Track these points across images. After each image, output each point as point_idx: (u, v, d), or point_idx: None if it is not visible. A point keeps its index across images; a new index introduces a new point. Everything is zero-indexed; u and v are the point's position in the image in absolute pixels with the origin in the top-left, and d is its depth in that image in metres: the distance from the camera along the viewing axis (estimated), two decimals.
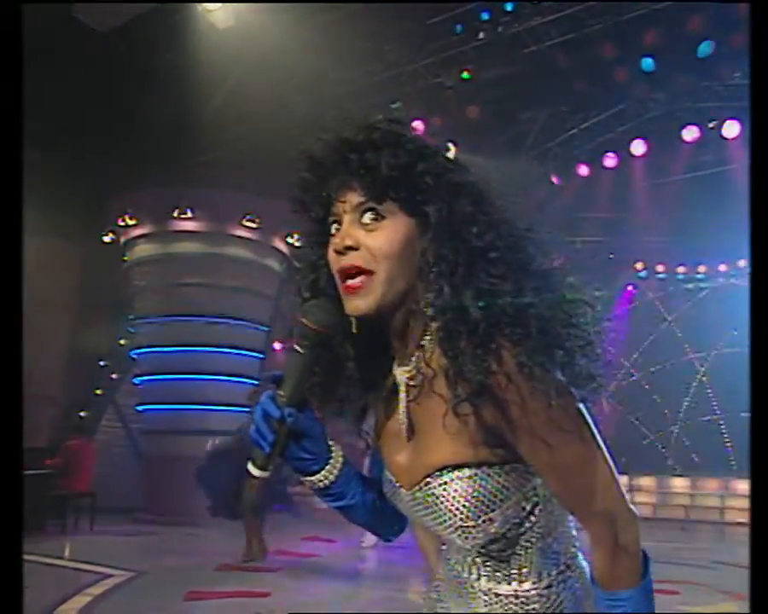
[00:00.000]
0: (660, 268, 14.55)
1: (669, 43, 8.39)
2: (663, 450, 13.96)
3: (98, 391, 13.04)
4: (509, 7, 8.16)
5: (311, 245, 1.12)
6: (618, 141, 10.45)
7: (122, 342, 12.78)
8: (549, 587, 1.06)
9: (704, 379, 13.96)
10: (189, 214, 10.56)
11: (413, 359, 1.06)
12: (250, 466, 1.03)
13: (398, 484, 1.10)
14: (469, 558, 1.10)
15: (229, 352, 10.92)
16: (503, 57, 8.63)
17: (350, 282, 1.01)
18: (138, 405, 11.35)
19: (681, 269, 14.39)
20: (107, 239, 11.40)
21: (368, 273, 1.00)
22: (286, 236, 11.63)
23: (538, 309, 0.95)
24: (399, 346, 1.08)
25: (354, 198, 1.02)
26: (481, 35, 8.34)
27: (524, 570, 1.06)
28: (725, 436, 13.12)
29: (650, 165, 10.66)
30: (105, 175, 9.91)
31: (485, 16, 8.25)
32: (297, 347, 1.04)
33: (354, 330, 1.06)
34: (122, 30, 7.97)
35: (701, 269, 14.15)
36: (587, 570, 1.10)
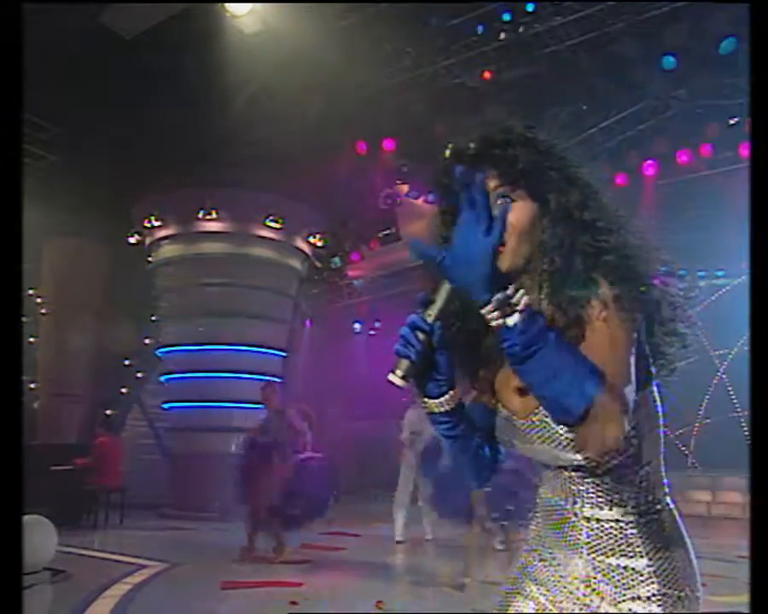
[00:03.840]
0: (680, 264, 14.45)
1: (690, 40, 8.41)
2: (684, 447, 13.95)
3: (124, 390, 13.29)
4: (529, 7, 8.24)
5: (446, 216, 1.32)
6: (638, 139, 10.46)
7: (147, 341, 13.02)
8: (645, 514, 1.21)
9: (725, 376, 13.93)
10: (214, 215, 10.74)
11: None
12: (391, 377, 1.15)
13: (514, 417, 1.28)
14: (573, 487, 1.25)
15: (253, 351, 11.09)
16: (523, 57, 8.71)
17: None
18: (165, 403, 11.55)
19: (701, 267, 14.32)
20: (132, 240, 11.61)
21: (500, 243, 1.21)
22: (307, 237, 11.81)
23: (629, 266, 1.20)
24: None
25: (492, 183, 1.23)
26: (502, 35, 8.42)
27: (623, 495, 1.21)
28: (745, 433, 13.08)
29: (671, 162, 10.67)
30: (131, 177, 10.09)
31: (506, 17, 8.33)
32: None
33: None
34: (147, 35, 8.14)
35: (722, 266, 14.08)
36: (676, 513, 1.27)
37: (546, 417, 1.20)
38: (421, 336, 1.16)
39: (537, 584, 1.28)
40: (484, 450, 1.35)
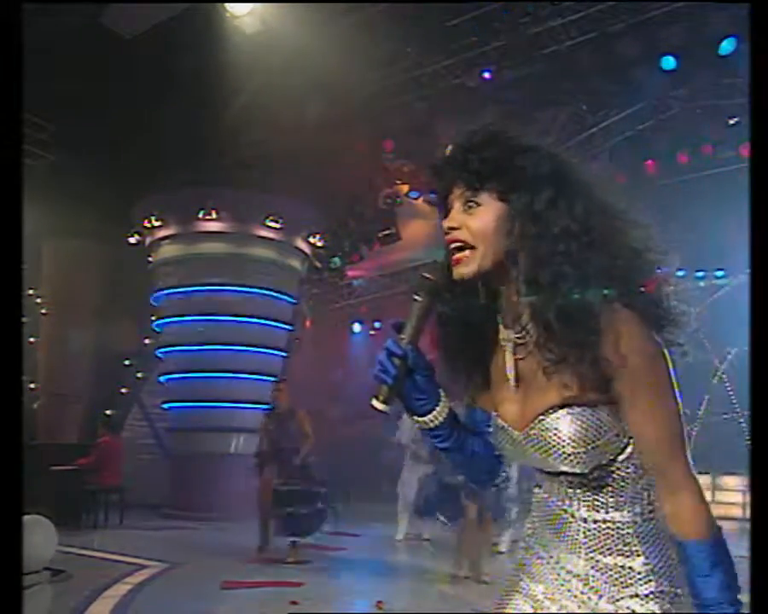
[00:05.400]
0: (678, 265, 14.43)
1: (690, 40, 8.41)
2: None
3: (123, 390, 13.28)
4: (529, 8, 8.23)
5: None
6: (638, 139, 10.46)
7: (147, 341, 13.00)
8: (641, 515, 1.21)
9: (723, 376, 13.92)
10: (214, 215, 10.73)
11: (518, 323, 1.25)
12: (374, 402, 1.21)
13: (510, 428, 1.28)
14: (570, 491, 1.25)
15: (253, 350, 11.08)
16: (523, 57, 8.71)
17: (457, 255, 1.24)
18: (164, 403, 11.54)
19: (702, 267, 14.30)
20: (132, 240, 11.61)
21: (471, 248, 1.23)
22: (307, 237, 11.80)
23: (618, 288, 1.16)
24: (505, 312, 1.28)
25: (459, 190, 1.25)
26: (502, 36, 8.42)
27: (620, 499, 1.22)
28: (745, 433, 13.08)
29: (671, 162, 10.66)
30: (131, 177, 10.09)
31: (505, 17, 8.33)
32: (416, 296, 1.24)
33: (461, 292, 1.28)
34: (147, 35, 8.14)
35: (722, 266, 14.07)
36: None
37: (543, 431, 1.21)
38: (396, 361, 1.20)
39: (535, 582, 1.29)
40: (481, 456, 1.36)
